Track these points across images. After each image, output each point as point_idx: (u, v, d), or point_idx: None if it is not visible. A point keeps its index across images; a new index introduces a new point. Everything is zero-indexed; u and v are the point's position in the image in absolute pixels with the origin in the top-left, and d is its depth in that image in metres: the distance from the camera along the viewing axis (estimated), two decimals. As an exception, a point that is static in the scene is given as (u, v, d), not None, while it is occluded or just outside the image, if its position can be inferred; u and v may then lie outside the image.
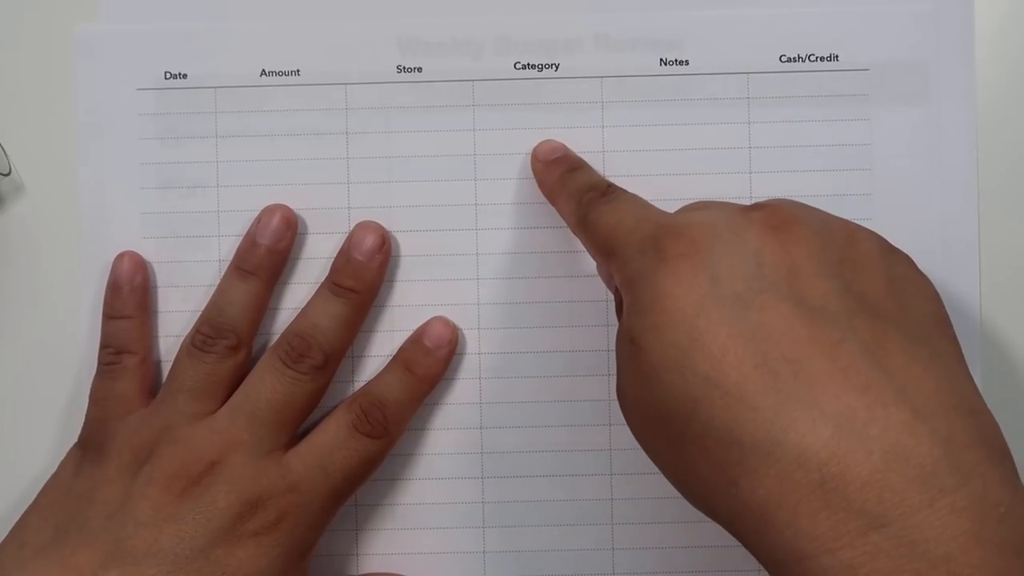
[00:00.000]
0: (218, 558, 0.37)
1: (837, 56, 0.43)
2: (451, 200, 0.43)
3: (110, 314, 0.42)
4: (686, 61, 0.43)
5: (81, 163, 0.43)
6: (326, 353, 0.40)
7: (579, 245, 0.39)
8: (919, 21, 0.43)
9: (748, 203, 0.34)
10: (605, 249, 0.35)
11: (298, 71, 0.43)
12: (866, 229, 0.33)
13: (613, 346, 0.39)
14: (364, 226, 0.42)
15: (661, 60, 0.43)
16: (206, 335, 0.41)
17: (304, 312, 0.41)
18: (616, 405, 0.33)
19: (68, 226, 0.43)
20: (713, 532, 0.31)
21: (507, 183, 0.43)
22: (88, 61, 0.43)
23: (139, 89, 0.43)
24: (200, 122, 0.43)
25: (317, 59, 0.43)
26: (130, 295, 0.42)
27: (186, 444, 0.38)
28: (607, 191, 0.39)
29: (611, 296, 0.42)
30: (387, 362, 0.43)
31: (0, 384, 0.43)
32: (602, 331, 0.43)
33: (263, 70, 0.43)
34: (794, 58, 0.43)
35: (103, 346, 0.42)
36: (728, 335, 0.29)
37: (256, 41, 0.43)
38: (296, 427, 0.40)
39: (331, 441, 0.40)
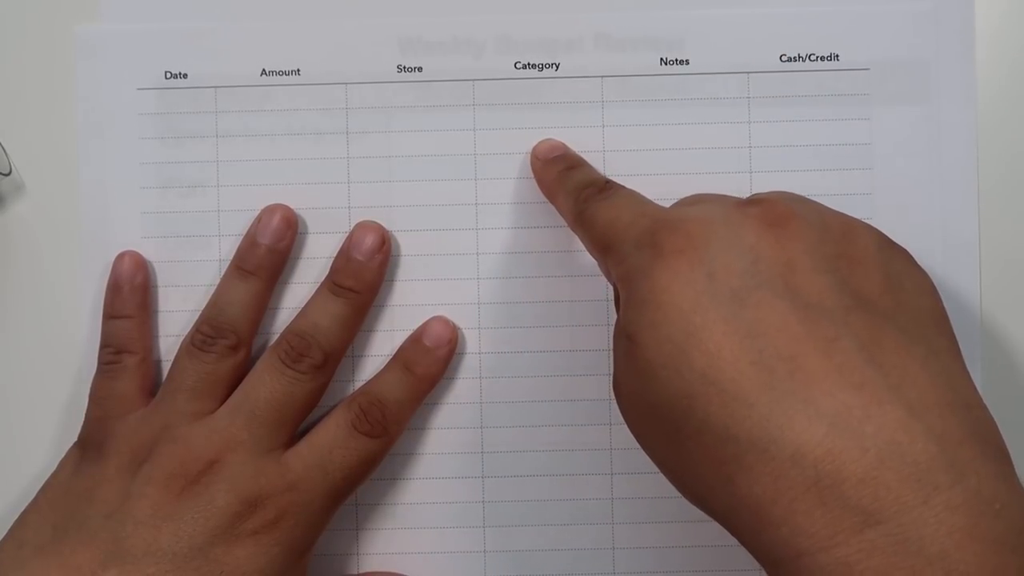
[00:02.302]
0: (217, 557, 0.37)
1: (837, 55, 0.43)
2: (451, 200, 0.43)
3: (110, 313, 0.42)
4: (686, 61, 0.43)
5: (81, 163, 0.43)
6: (326, 352, 0.40)
7: (579, 244, 0.39)
8: (919, 21, 0.43)
9: (747, 200, 0.34)
10: (602, 245, 0.35)
11: (298, 71, 0.43)
12: (864, 224, 0.33)
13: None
14: (364, 226, 0.42)
15: (661, 60, 0.43)
16: (206, 335, 0.41)
17: (304, 312, 0.41)
18: (616, 404, 0.33)
19: (68, 226, 0.43)
20: (713, 531, 0.31)
21: (507, 183, 0.43)
22: (88, 61, 0.43)
23: (139, 89, 0.43)
24: (200, 122, 0.43)
25: (317, 59, 0.43)
26: (130, 295, 0.42)
27: (185, 443, 0.38)
28: (605, 187, 0.39)
29: (611, 296, 0.42)
30: (387, 362, 0.43)
31: (0, 384, 0.43)
32: (602, 330, 0.43)
33: (263, 70, 0.43)
34: (794, 57, 0.43)
35: (103, 345, 0.42)
36: (724, 332, 0.29)
37: (256, 41, 0.43)
38: (295, 426, 0.40)
39: (330, 440, 0.40)
